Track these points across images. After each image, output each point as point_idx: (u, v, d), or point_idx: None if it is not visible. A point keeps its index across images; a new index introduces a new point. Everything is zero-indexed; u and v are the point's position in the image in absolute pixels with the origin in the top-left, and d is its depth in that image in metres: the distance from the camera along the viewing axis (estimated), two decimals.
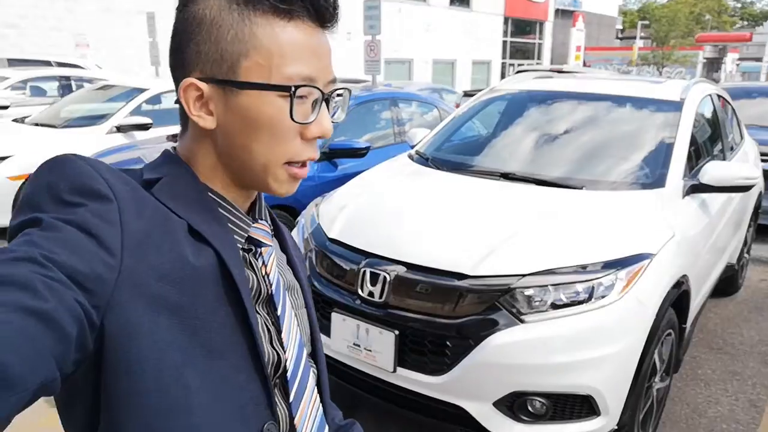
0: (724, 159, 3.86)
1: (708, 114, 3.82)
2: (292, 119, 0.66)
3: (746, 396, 3.21)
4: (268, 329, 0.73)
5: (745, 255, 4.76)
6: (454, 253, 2.37)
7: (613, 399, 2.24)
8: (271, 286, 0.74)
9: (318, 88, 0.68)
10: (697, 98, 3.51)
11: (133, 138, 5.86)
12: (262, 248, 0.76)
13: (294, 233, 3.03)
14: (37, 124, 6.11)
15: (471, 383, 2.21)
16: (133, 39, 13.87)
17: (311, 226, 2.90)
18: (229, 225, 0.72)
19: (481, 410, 2.21)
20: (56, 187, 0.59)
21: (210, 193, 0.71)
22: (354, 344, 2.40)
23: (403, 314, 2.33)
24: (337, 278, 2.56)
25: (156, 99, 6.62)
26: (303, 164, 0.71)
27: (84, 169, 0.60)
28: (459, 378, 2.21)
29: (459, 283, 2.27)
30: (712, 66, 37.37)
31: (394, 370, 2.33)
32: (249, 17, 0.65)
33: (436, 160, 3.44)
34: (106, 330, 0.56)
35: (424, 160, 3.48)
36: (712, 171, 2.96)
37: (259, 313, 0.72)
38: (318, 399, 0.79)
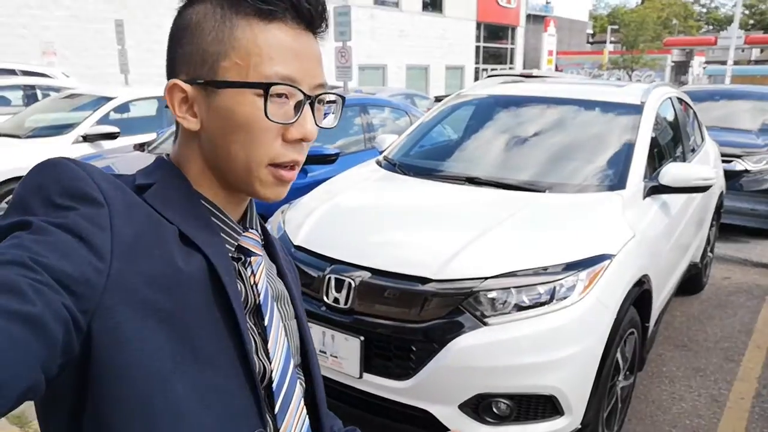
0: (684, 160, 3.95)
1: (668, 117, 3.91)
2: (267, 117, 0.66)
3: (708, 392, 3.29)
4: (255, 339, 0.72)
5: (709, 254, 4.87)
6: (419, 257, 2.39)
7: (576, 398, 2.27)
8: (259, 296, 0.74)
9: (299, 89, 0.67)
10: (657, 101, 3.60)
11: (100, 147, 5.78)
12: (252, 258, 0.76)
13: None
14: (0, 134, 5.98)
15: (436, 387, 2.23)
16: (102, 47, 13.68)
17: (278, 233, 2.89)
18: (220, 233, 0.72)
19: (447, 413, 2.23)
20: (47, 189, 0.58)
21: (202, 200, 0.72)
22: (320, 351, 2.40)
23: (369, 320, 2.33)
24: (302, 285, 2.55)
25: (124, 107, 6.54)
26: (291, 167, 0.71)
27: (76, 173, 0.60)
28: (424, 382, 2.22)
29: (423, 288, 2.29)
30: (680, 69, 38.26)
31: (361, 376, 2.33)
32: (230, 19, 0.67)
33: (404, 165, 3.46)
34: (93, 335, 0.55)
35: (391, 165, 3.50)
36: (671, 172, 3.03)
37: (246, 323, 0.71)
38: (304, 411, 0.78)
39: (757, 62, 43.79)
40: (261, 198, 0.72)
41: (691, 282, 4.51)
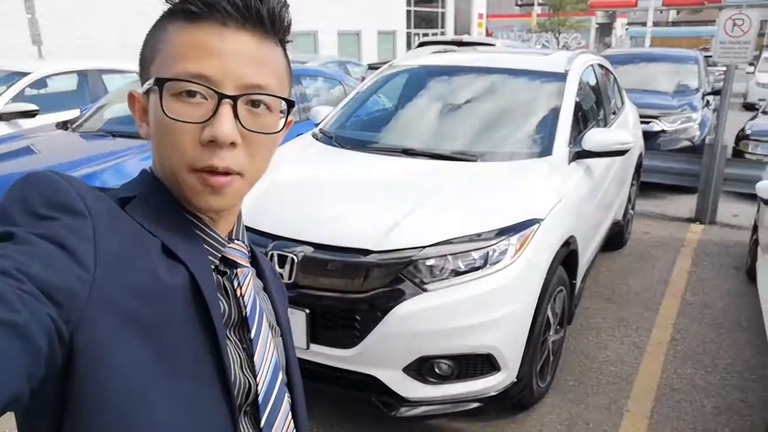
0: (606, 125, 4.18)
1: (591, 83, 4.10)
2: (165, 114, 0.65)
3: (630, 339, 3.57)
4: (239, 355, 0.71)
5: (630, 211, 5.19)
6: (359, 230, 2.46)
7: (511, 355, 2.43)
8: (245, 308, 0.73)
9: (211, 88, 0.65)
10: (579, 69, 3.76)
11: (17, 126, 5.46)
12: (238, 269, 0.74)
13: None
14: None
15: (381, 353, 2.33)
16: (6, 15, 12.69)
17: None
18: (203, 245, 0.71)
19: (392, 377, 2.34)
20: (31, 201, 0.58)
21: (185, 213, 0.71)
22: None
23: (313, 293, 2.40)
24: None
25: (41, 83, 6.18)
26: (216, 172, 0.66)
27: (60, 185, 0.60)
28: (369, 349, 2.32)
29: (365, 259, 2.36)
30: (604, 31, 39.46)
31: (308, 347, 2.40)
32: (164, 25, 0.68)
33: (340, 138, 3.49)
34: (75, 345, 0.55)
35: (328, 138, 3.53)
36: (592, 138, 3.21)
37: (229, 339, 0.70)
38: (292, 424, 0.78)
39: (674, 23, 45.82)
40: (198, 207, 0.70)
41: (615, 238, 4.80)
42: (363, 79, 9.51)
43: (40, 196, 0.59)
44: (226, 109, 0.65)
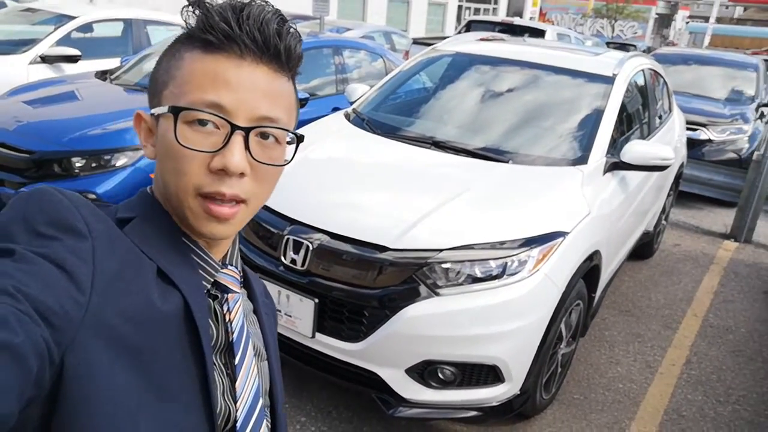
0: (650, 133, 4.02)
1: (639, 89, 3.93)
2: (177, 141, 0.66)
3: (644, 357, 3.49)
4: (222, 381, 0.72)
5: (663, 221, 5.04)
6: (377, 224, 2.42)
7: (517, 368, 2.40)
8: (232, 334, 0.74)
9: (224, 119, 0.66)
10: (629, 74, 3.60)
11: (60, 71, 5.52)
12: (229, 294, 0.75)
13: None
14: None
15: (385, 351, 2.32)
16: None
17: None
18: (198, 270, 0.72)
19: (394, 376, 2.33)
20: (32, 219, 0.59)
21: (183, 237, 0.72)
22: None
23: (324, 283, 2.38)
24: (261, 243, 2.58)
25: (87, 28, 6.21)
26: (221, 201, 0.68)
27: (62, 203, 0.61)
28: (374, 346, 2.31)
29: (380, 256, 2.33)
30: (663, 22, 37.95)
31: (313, 336, 2.40)
32: (179, 50, 0.69)
33: (372, 122, 3.43)
34: (65, 368, 0.56)
35: (360, 121, 3.47)
36: (632, 150, 3.09)
37: (215, 364, 0.71)
38: None
39: (739, 21, 43.75)
40: (201, 234, 0.71)
41: (643, 248, 4.68)
42: (407, 53, 9.36)
43: (42, 214, 0.59)
44: (237, 139, 0.66)
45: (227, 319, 0.74)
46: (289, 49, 0.69)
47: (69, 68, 5.60)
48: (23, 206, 0.60)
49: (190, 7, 0.68)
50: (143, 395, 0.61)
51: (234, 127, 0.66)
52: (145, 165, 3.65)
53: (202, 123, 0.66)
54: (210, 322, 0.71)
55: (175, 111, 0.66)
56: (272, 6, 0.69)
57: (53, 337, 0.53)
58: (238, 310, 0.76)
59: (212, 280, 0.74)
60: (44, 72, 5.40)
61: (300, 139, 0.74)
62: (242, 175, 0.67)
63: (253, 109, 0.67)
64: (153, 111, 0.71)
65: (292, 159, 0.74)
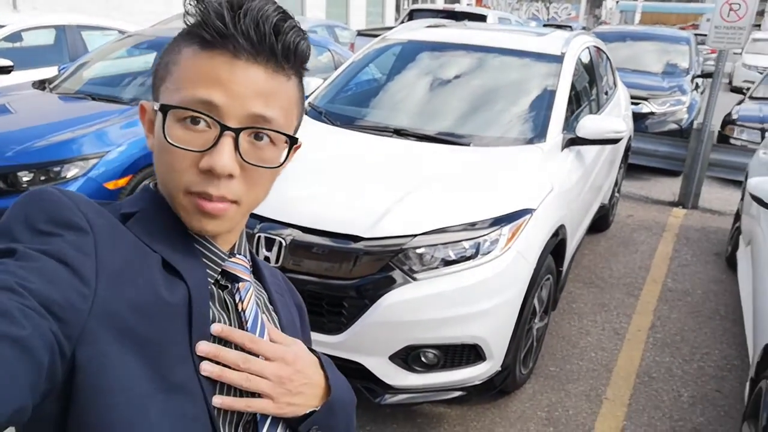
0: (599, 108, 4.14)
1: (585, 66, 4.04)
2: (166, 139, 0.65)
3: (611, 325, 3.61)
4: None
5: (616, 194, 5.21)
6: (349, 215, 2.41)
7: (497, 345, 2.44)
8: (246, 323, 0.73)
9: (214, 119, 0.65)
10: (576, 52, 3.70)
11: None
12: (240, 284, 0.75)
13: None
14: None
15: (367, 340, 2.31)
16: None
17: None
18: (203, 259, 0.72)
19: (378, 364, 2.33)
20: (33, 218, 0.60)
21: (185, 227, 0.71)
22: None
23: (300, 277, 2.35)
24: None
25: (16, 36, 5.92)
26: (210, 198, 0.67)
27: (62, 201, 0.61)
28: (356, 336, 2.30)
29: (354, 246, 2.32)
30: (595, 2, 39.11)
31: None
32: (179, 46, 0.69)
33: (330, 114, 3.41)
34: (77, 360, 0.56)
35: (317, 114, 3.44)
36: (586, 125, 3.18)
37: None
38: None
39: None
40: (193, 230, 0.70)
41: (600, 221, 4.82)
42: (352, 46, 9.33)
43: (42, 212, 0.60)
44: (227, 140, 0.66)
45: (240, 309, 0.74)
46: (287, 48, 0.67)
47: (2, 79, 5.33)
48: (24, 206, 0.61)
49: (191, 2, 0.67)
50: (151, 385, 0.61)
51: (224, 128, 0.65)
52: (98, 175, 3.53)
53: (195, 121, 0.65)
54: (221, 311, 0.71)
55: (164, 110, 0.66)
56: (274, 3, 0.67)
57: (62, 331, 0.54)
58: (250, 298, 0.75)
59: (220, 270, 0.74)
60: None
61: (293, 141, 0.71)
62: (231, 176, 0.66)
63: (246, 109, 0.66)
64: (153, 105, 0.71)
65: (285, 162, 0.72)
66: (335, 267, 2.35)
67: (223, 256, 0.74)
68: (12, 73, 5.38)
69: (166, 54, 0.71)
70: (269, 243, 2.39)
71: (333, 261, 2.35)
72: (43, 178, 3.38)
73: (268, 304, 0.82)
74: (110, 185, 3.61)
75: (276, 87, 0.68)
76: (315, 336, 2.34)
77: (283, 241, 2.37)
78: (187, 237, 0.72)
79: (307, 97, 3.72)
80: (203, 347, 0.66)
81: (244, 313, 0.74)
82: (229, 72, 0.65)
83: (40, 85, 4.63)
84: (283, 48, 0.67)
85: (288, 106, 0.71)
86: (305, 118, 3.38)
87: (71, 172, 3.45)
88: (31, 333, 0.49)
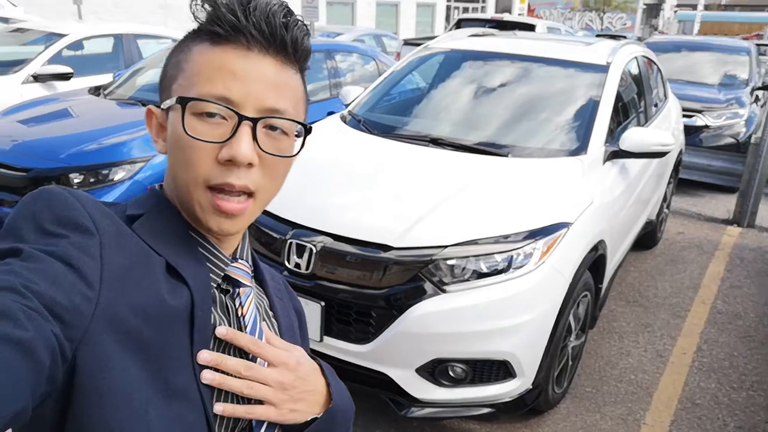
0: (647, 121, 4.00)
1: (633, 77, 3.91)
2: (185, 132, 0.66)
3: (654, 347, 3.46)
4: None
5: (665, 210, 5.01)
6: (380, 224, 2.40)
7: (528, 362, 2.37)
8: (245, 328, 0.73)
9: (231, 109, 0.66)
10: (622, 62, 3.59)
11: (53, 89, 5.51)
12: (240, 289, 0.76)
13: None
14: None
15: (394, 351, 2.29)
16: None
17: None
18: (207, 263, 0.72)
19: (404, 376, 2.30)
20: (40, 217, 0.60)
21: (190, 231, 0.72)
22: None
23: (330, 285, 2.36)
24: (264, 249, 2.55)
25: (77, 45, 6.20)
26: (229, 194, 0.68)
27: (69, 202, 0.62)
28: (383, 346, 2.28)
29: (384, 255, 2.31)
30: (651, 12, 38.02)
31: (321, 339, 2.38)
32: (187, 45, 0.70)
33: (369, 122, 3.41)
34: (78, 363, 0.56)
35: (356, 122, 3.45)
36: (630, 137, 3.07)
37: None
38: None
39: (726, 7, 43.85)
40: (209, 229, 0.71)
41: (646, 237, 4.65)
42: (398, 55, 9.36)
43: (49, 213, 0.60)
44: (245, 130, 0.67)
45: (240, 314, 0.74)
46: (295, 41, 0.70)
47: (62, 86, 5.59)
48: (31, 205, 0.61)
49: (199, 2, 0.69)
50: (152, 389, 0.61)
51: (241, 118, 0.66)
52: (144, 178, 3.64)
53: (210, 115, 0.66)
54: (222, 316, 0.71)
55: (183, 102, 0.66)
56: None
57: (64, 333, 0.53)
58: (250, 304, 0.76)
59: (222, 274, 0.74)
60: (37, 91, 5.39)
61: (308, 130, 0.74)
62: (250, 165, 0.67)
63: (261, 100, 0.68)
64: (162, 105, 0.71)
65: (300, 151, 0.73)
66: (365, 276, 2.34)
67: (226, 260, 0.75)
68: (71, 79, 5.66)
69: (175, 54, 0.72)
70: (300, 250, 2.40)
71: (363, 270, 2.34)
72: (92, 180, 3.51)
73: (269, 311, 0.82)
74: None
75: (286, 79, 0.70)
76: (341, 345, 2.35)
77: (314, 248, 2.37)
78: (192, 241, 0.72)
79: (347, 105, 3.74)
80: (204, 356, 0.66)
81: (243, 318, 0.74)
82: (243, 65, 0.67)
83: (96, 91, 4.82)
84: (292, 41, 0.70)
85: (296, 99, 0.72)
86: (343, 126, 3.42)
87: (119, 174, 3.57)
88: (34, 335, 0.49)
